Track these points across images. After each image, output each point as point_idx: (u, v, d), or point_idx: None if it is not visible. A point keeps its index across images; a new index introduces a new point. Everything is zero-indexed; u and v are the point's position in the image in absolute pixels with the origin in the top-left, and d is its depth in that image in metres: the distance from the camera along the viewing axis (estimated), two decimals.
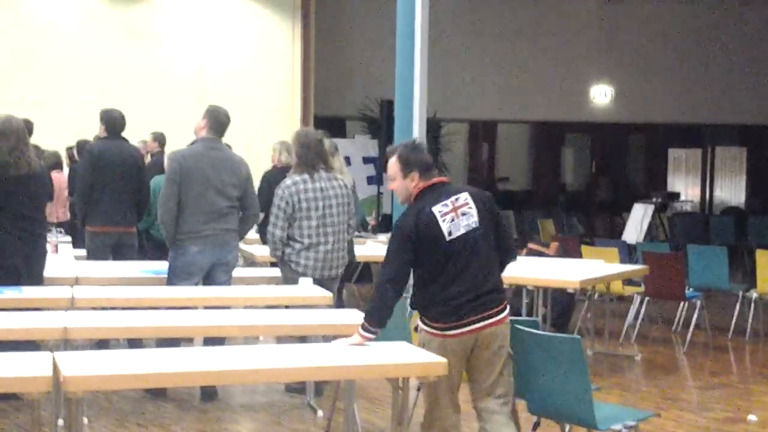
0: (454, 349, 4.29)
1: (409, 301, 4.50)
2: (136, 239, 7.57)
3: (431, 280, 4.28)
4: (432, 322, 4.32)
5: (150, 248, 8.08)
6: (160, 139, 10.23)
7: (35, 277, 6.02)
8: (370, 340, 4.30)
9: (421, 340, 4.40)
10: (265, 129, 13.10)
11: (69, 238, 8.40)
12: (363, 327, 4.30)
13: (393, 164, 4.36)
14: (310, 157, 6.31)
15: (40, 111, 11.28)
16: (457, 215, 4.27)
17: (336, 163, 7.33)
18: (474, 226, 4.28)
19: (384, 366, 4.12)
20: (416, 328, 4.49)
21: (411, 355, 4.23)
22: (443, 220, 4.25)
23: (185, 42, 14.17)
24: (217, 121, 6.30)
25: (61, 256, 7.16)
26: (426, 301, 4.33)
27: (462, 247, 4.26)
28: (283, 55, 14.57)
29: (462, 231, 4.26)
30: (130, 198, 7.45)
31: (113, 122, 7.51)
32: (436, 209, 4.27)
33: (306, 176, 6.24)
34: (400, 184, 4.35)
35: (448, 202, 4.29)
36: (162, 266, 6.46)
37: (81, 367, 3.75)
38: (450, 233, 4.25)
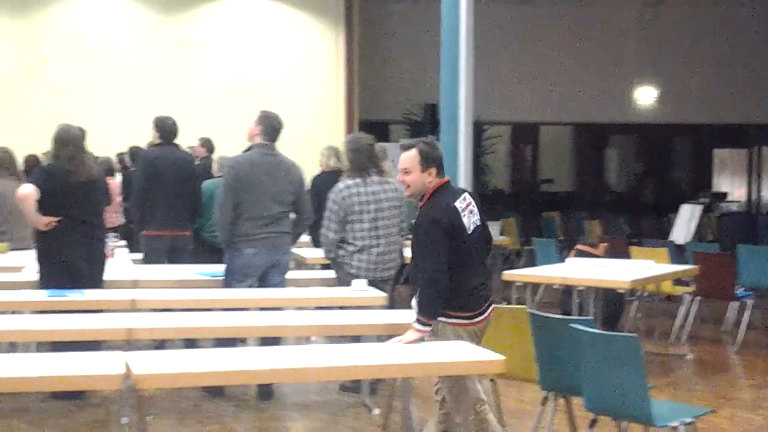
0: (477, 335, 4.55)
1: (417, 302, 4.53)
2: (190, 242, 7.72)
3: (457, 272, 4.44)
4: (460, 312, 4.49)
5: (202, 252, 8.21)
6: (207, 145, 10.37)
7: (96, 281, 6.18)
8: (426, 333, 4.39)
9: (443, 334, 4.47)
10: (310, 134, 13.24)
11: (124, 243, 8.57)
12: (419, 322, 4.39)
13: (412, 157, 4.50)
14: (361, 161, 6.41)
15: (90, 119, 11.52)
16: (468, 212, 4.52)
17: (386, 167, 7.42)
18: (478, 223, 4.57)
19: (443, 364, 4.18)
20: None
21: (469, 352, 4.29)
22: (463, 215, 4.49)
23: (231, 50, 14.37)
24: (271, 126, 6.42)
25: (118, 260, 7.31)
26: (454, 293, 4.45)
27: (475, 240, 4.54)
28: (327, 61, 14.71)
29: (473, 226, 4.53)
30: (184, 202, 7.61)
31: (167, 129, 7.69)
32: (457, 204, 4.49)
33: (358, 180, 6.34)
34: (417, 177, 4.49)
35: (461, 199, 4.53)
36: (216, 269, 6.59)
37: (150, 365, 3.87)
38: (468, 227, 4.50)
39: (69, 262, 6.13)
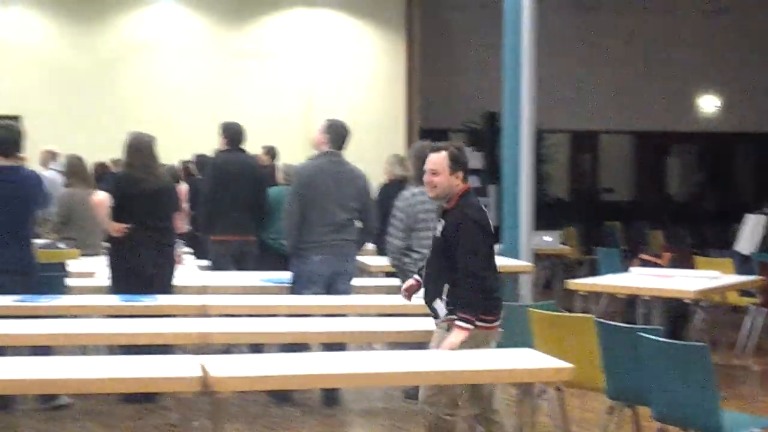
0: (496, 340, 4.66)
1: (446, 302, 4.56)
2: (256, 248, 7.83)
3: (489, 276, 4.53)
4: (488, 316, 4.54)
5: (267, 258, 8.32)
6: (270, 153, 10.51)
7: (165, 286, 6.32)
8: (471, 332, 4.44)
9: (474, 338, 4.47)
10: (370, 142, 13.30)
11: (191, 249, 8.71)
12: (465, 321, 4.43)
13: (442, 159, 4.61)
14: None
15: (156, 127, 11.72)
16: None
17: None
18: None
19: (512, 371, 4.21)
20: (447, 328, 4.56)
21: (537, 360, 4.32)
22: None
23: (293, 60, 14.54)
24: (338, 134, 6.51)
25: (186, 266, 7.45)
26: (487, 297, 4.51)
27: (493, 245, 4.68)
28: (388, 69, 14.81)
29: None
30: (251, 208, 7.73)
31: (234, 135, 7.83)
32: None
33: (424, 188, 6.37)
34: (444, 179, 4.59)
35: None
36: (281, 276, 6.70)
37: (226, 368, 3.95)
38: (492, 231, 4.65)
39: (139, 267, 6.28)
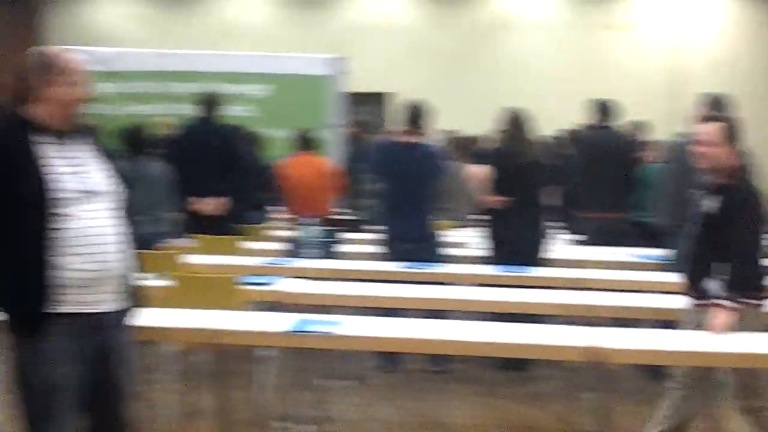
0: None
1: (721, 282, 4.28)
2: (624, 225, 7.77)
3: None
4: (757, 293, 4.29)
5: (635, 236, 8.21)
6: (637, 128, 10.32)
7: (536, 259, 6.47)
8: (741, 312, 4.24)
9: (745, 319, 4.22)
10: (746, 118, 12.69)
11: (562, 224, 8.79)
12: (738, 302, 4.22)
13: (718, 130, 4.35)
14: None
15: (522, 102, 11.94)
16: None
17: None
18: None
19: None
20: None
21: None
22: None
23: (658, 33, 14.19)
24: (722, 111, 6.30)
25: (557, 240, 7.52)
26: (761, 277, 4.30)
27: None
28: (759, 41, 14.01)
29: None
30: (620, 185, 7.68)
31: (606, 111, 7.82)
32: None
33: None
34: (719, 151, 4.32)
35: None
36: (654, 253, 6.60)
37: (615, 341, 3.99)
38: None
39: (512, 239, 6.48)
